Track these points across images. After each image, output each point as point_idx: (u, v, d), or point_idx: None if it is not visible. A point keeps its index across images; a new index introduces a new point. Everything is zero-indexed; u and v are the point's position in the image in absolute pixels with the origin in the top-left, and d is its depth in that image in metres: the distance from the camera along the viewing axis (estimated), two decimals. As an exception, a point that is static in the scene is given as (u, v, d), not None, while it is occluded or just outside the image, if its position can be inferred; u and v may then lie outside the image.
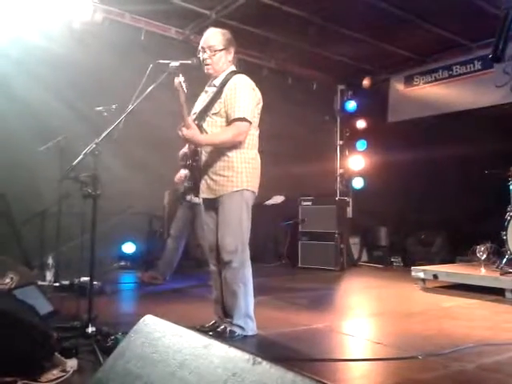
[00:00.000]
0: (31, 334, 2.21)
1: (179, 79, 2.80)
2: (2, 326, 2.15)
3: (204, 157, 3.12)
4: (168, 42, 6.33)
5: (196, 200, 4.84)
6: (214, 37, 3.11)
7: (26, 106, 5.25)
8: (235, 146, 3.04)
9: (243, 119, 2.98)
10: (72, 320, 2.97)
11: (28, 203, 5.37)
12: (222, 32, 3.15)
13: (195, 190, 3.18)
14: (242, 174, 3.05)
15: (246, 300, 3.08)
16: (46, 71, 5.22)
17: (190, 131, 2.91)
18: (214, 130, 3.07)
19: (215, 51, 3.08)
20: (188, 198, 5.09)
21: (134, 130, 3.93)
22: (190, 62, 3.05)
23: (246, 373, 1.32)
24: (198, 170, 3.14)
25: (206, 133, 3.07)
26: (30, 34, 5.26)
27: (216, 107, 3.06)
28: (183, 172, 5.11)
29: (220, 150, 3.06)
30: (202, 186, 3.14)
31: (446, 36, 6.58)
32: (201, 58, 3.09)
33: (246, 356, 1.36)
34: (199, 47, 3.13)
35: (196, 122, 3.04)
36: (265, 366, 1.30)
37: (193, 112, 3.17)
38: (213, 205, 3.13)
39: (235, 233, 3.04)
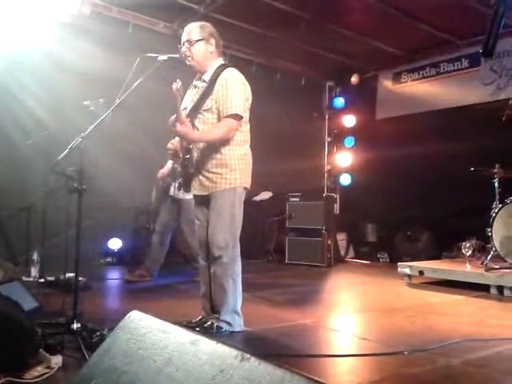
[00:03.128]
0: (15, 330, 2.18)
1: (177, 85, 2.77)
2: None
3: (196, 154, 3.10)
4: (156, 36, 6.27)
5: (180, 195, 4.84)
6: (192, 30, 3.12)
7: (12, 98, 5.17)
8: (227, 142, 3.04)
9: (235, 116, 2.98)
10: (57, 316, 2.94)
11: (13, 198, 5.29)
12: (201, 25, 3.16)
13: (187, 186, 3.16)
14: (235, 171, 3.05)
15: (235, 296, 3.08)
16: (33, 64, 5.14)
17: (184, 128, 2.88)
18: (205, 127, 3.06)
19: (192, 42, 3.08)
20: (171, 193, 5.07)
21: (121, 124, 3.91)
22: (177, 55, 3.05)
23: (233, 369, 1.30)
24: (191, 167, 3.11)
25: (198, 130, 3.05)
26: (18, 28, 5.17)
27: (208, 103, 3.05)
28: (166, 167, 5.10)
29: (213, 147, 3.05)
30: (195, 182, 3.13)
31: (433, 33, 6.60)
32: (181, 52, 3.09)
33: (234, 352, 1.35)
34: (181, 43, 3.13)
35: (188, 119, 3.01)
36: (253, 362, 1.28)
37: (182, 107, 3.15)
38: (205, 201, 3.13)
39: (227, 229, 3.04)
